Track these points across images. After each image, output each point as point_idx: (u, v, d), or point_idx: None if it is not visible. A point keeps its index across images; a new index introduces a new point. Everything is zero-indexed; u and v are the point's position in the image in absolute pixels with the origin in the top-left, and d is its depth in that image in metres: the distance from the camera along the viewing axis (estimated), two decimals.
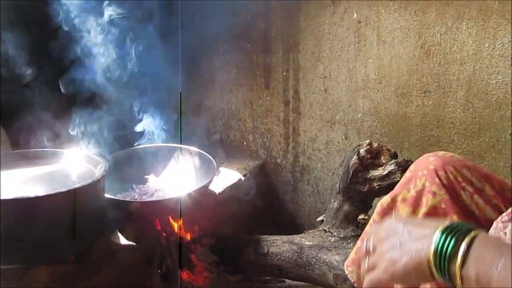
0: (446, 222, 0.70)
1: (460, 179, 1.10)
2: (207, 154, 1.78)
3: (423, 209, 1.11)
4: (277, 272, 1.76)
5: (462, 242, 0.66)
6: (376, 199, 1.74)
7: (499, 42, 1.70)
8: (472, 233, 0.67)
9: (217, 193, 1.88)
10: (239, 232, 2.01)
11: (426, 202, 1.09)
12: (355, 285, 1.29)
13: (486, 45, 1.72)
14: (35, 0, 1.75)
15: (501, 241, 0.70)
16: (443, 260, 0.67)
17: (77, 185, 1.29)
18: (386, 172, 1.67)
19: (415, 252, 0.70)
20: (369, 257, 0.78)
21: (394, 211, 1.17)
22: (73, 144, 1.68)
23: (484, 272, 0.63)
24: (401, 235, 0.74)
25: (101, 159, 1.48)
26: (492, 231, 0.99)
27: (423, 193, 1.10)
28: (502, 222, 0.99)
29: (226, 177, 2.02)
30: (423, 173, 1.11)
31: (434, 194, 1.09)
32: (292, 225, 2.35)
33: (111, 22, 1.81)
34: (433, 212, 1.08)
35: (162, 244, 1.65)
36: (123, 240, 1.54)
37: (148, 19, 1.94)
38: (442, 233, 0.68)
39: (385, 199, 1.20)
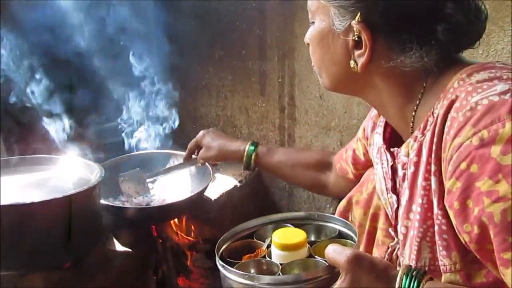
0: (403, 268, 0.81)
1: None
2: None
3: (371, 210, 1.17)
4: None
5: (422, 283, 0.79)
6: None
7: (493, 49, 1.71)
8: (427, 276, 0.80)
9: (212, 199, 1.88)
10: None
11: (373, 203, 1.16)
12: None
13: (480, 52, 1.73)
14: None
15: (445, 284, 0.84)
16: None
17: (73, 191, 1.29)
18: None
19: None
20: None
21: (350, 213, 1.24)
22: (69, 150, 1.68)
23: None
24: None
25: (96, 165, 1.47)
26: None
27: (373, 195, 1.16)
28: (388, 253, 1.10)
29: (222, 183, 2.02)
30: (374, 177, 1.15)
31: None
32: None
33: (108, 28, 1.82)
34: (378, 212, 1.15)
35: (158, 250, 1.65)
36: (118, 247, 1.54)
37: (144, 26, 1.95)
38: (406, 276, 0.79)
39: (342, 202, 1.26)
